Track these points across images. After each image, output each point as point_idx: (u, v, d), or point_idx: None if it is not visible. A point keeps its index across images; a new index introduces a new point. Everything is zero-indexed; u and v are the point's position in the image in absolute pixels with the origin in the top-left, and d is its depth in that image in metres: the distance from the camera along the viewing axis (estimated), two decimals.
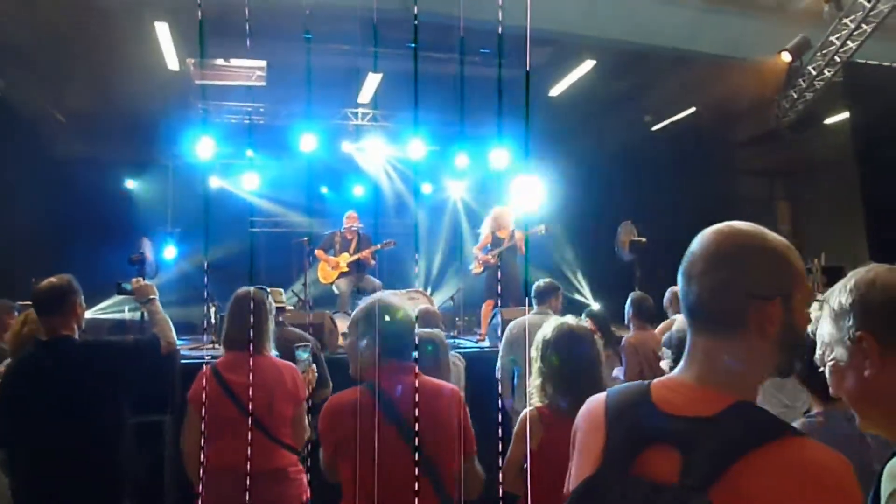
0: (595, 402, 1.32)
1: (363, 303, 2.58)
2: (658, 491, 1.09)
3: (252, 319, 3.12)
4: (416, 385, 2.39)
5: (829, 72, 9.11)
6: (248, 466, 2.78)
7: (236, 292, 3.32)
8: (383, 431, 2.32)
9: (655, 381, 1.26)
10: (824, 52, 9.00)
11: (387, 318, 2.49)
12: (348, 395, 2.45)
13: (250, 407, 2.97)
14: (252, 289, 3.32)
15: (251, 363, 3.08)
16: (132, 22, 8.27)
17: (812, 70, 9.27)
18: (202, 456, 2.99)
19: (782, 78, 9.64)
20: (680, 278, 1.25)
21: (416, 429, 2.31)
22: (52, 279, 3.02)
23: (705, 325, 1.21)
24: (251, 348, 3.12)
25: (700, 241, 1.25)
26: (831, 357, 1.38)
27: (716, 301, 1.19)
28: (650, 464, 1.13)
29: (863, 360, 1.27)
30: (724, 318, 1.18)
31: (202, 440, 2.98)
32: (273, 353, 3.29)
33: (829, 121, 10.48)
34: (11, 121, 9.28)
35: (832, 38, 8.78)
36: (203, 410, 2.98)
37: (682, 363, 1.25)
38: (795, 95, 9.65)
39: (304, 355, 3.58)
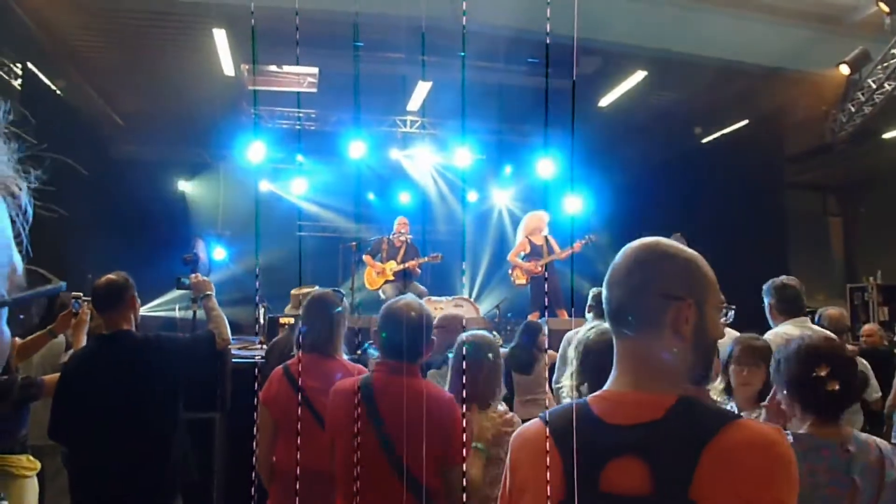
0: (530, 431, 1.31)
1: (394, 300, 2.70)
2: None
3: (326, 322, 3.12)
4: (402, 385, 2.47)
5: (889, 85, 8.87)
6: (318, 468, 2.83)
7: (311, 294, 3.30)
8: (364, 427, 2.44)
9: (590, 396, 1.28)
10: (885, 64, 8.77)
11: (395, 319, 2.58)
12: (347, 385, 2.62)
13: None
14: (328, 291, 3.31)
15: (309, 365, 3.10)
16: (191, 28, 8.51)
17: (872, 83, 9.04)
18: (273, 457, 3.04)
19: (840, 91, 9.42)
20: (604, 289, 1.32)
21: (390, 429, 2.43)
22: (110, 276, 3.11)
23: (627, 327, 1.26)
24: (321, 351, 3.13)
25: (621, 252, 1.33)
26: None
27: (634, 302, 1.26)
28: (617, 478, 1.14)
29: None
30: (643, 318, 1.25)
31: (275, 442, 3.04)
32: (345, 356, 3.27)
33: (887, 135, 10.20)
34: (71, 121, 9.59)
35: (894, 51, 8.56)
36: (275, 412, 3.04)
37: (612, 375, 1.29)
38: (853, 109, 9.42)
39: (375, 353, 3.60)
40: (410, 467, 2.38)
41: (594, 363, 2.47)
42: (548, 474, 1.19)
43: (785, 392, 2.16)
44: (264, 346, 6.32)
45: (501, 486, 1.33)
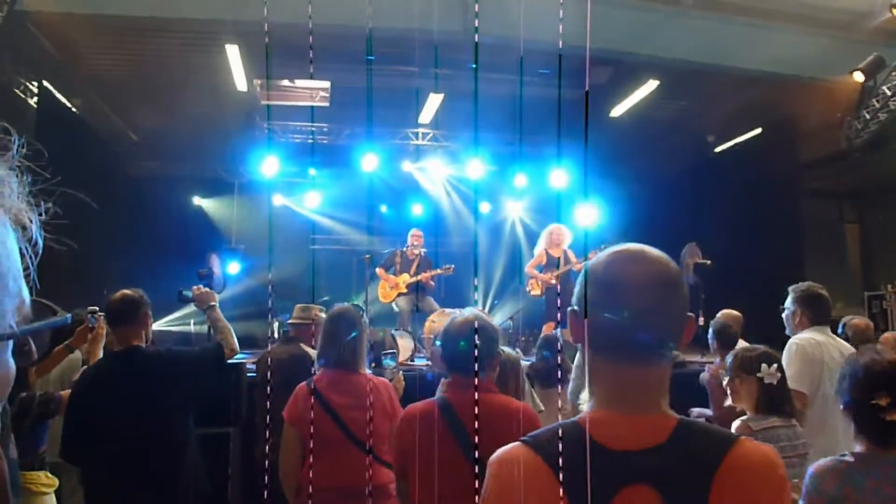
0: (515, 455, 1.18)
1: (455, 317, 2.66)
2: None
3: (349, 337, 3.13)
4: (480, 400, 2.43)
5: None
6: (347, 483, 2.81)
7: (331, 310, 3.31)
8: (447, 446, 2.36)
9: (580, 419, 1.19)
10: None
11: (462, 335, 2.54)
12: (421, 406, 2.55)
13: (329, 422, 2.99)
14: (348, 305, 3.32)
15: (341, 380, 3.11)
16: (204, 45, 8.58)
17: (887, 90, 8.97)
18: (299, 475, 3.04)
19: (854, 98, 9.35)
20: (616, 310, 1.16)
21: (476, 445, 2.31)
22: (125, 291, 3.13)
23: (641, 351, 1.17)
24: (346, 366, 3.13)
25: (629, 269, 1.19)
26: None
27: (669, 329, 1.18)
28: None
29: None
30: (666, 340, 1.18)
31: (302, 458, 3.03)
32: (367, 370, 3.28)
33: None
34: (87, 138, 9.69)
35: None
36: (301, 429, 3.03)
37: (597, 395, 1.20)
38: (868, 116, 9.34)
39: (391, 363, 3.61)
40: None
41: None
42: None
43: (842, 407, 2.09)
44: None
45: None
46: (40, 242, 0.66)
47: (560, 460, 1.11)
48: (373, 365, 3.87)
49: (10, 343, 0.64)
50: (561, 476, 1.10)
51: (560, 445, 1.13)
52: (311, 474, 3.02)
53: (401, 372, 3.66)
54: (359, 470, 2.96)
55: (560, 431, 1.15)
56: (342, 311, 3.26)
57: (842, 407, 2.09)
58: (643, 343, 1.17)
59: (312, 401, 3.07)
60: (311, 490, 2.99)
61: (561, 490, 1.09)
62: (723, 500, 1.07)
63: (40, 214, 0.66)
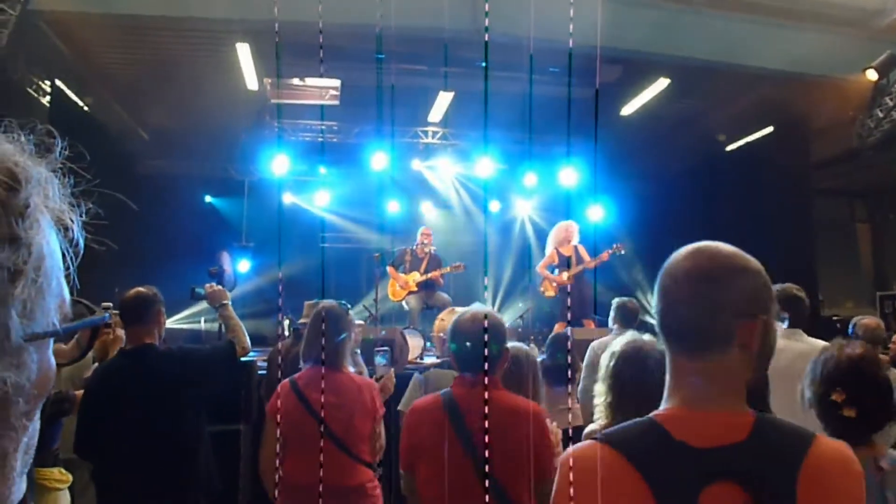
0: (593, 453, 1.17)
1: (461, 314, 2.63)
2: None
3: (332, 335, 3.13)
4: (486, 399, 2.39)
5: None
6: (324, 482, 2.81)
7: (317, 307, 3.30)
8: (451, 444, 2.34)
9: (656, 416, 1.20)
10: None
11: (469, 329, 2.52)
12: (428, 402, 2.56)
13: (322, 423, 3.00)
14: (334, 303, 3.31)
15: (325, 379, 3.10)
16: (215, 43, 8.61)
17: None
18: (279, 471, 3.04)
19: (867, 96, 9.28)
20: (661, 301, 1.24)
21: (480, 445, 2.30)
22: (139, 289, 3.14)
23: (695, 346, 1.20)
24: (328, 364, 3.13)
25: (681, 262, 1.24)
26: None
27: (706, 323, 1.19)
28: None
29: None
30: (714, 340, 1.19)
31: (279, 455, 3.03)
32: (351, 368, 3.28)
33: None
34: (98, 137, 9.73)
35: None
36: (281, 425, 3.04)
37: (671, 393, 1.22)
38: (881, 114, 9.28)
39: (382, 360, 3.61)
40: (503, 484, 2.32)
41: (629, 376, 2.41)
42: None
43: (806, 406, 2.06)
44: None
45: None
46: (81, 244, 0.68)
47: (645, 458, 1.13)
48: (381, 363, 3.87)
49: (52, 341, 0.66)
50: (648, 474, 1.12)
51: (644, 443, 1.15)
52: (282, 470, 3.03)
53: (392, 370, 3.65)
54: (337, 469, 2.97)
55: (639, 429, 1.17)
56: (327, 309, 3.24)
57: (806, 405, 2.07)
58: (679, 336, 1.21)
59: (293, 397, 3.08)
60: (286, 486, 3.00)
61: (647, 488, 1.11)
62: (809, 495, 1.08)
63: (80, 216, 0.68)
